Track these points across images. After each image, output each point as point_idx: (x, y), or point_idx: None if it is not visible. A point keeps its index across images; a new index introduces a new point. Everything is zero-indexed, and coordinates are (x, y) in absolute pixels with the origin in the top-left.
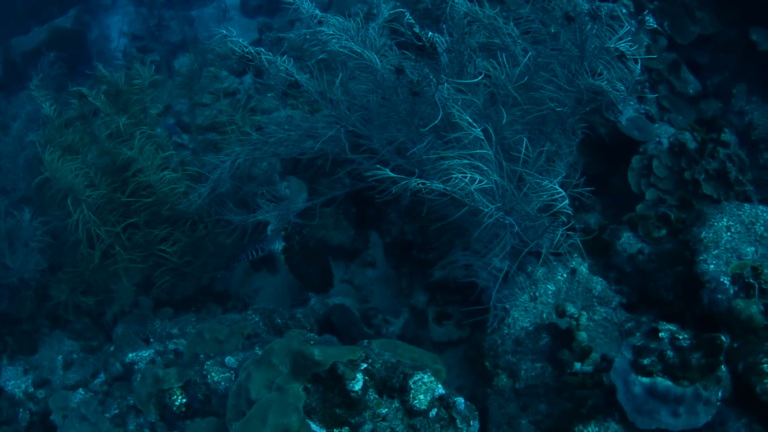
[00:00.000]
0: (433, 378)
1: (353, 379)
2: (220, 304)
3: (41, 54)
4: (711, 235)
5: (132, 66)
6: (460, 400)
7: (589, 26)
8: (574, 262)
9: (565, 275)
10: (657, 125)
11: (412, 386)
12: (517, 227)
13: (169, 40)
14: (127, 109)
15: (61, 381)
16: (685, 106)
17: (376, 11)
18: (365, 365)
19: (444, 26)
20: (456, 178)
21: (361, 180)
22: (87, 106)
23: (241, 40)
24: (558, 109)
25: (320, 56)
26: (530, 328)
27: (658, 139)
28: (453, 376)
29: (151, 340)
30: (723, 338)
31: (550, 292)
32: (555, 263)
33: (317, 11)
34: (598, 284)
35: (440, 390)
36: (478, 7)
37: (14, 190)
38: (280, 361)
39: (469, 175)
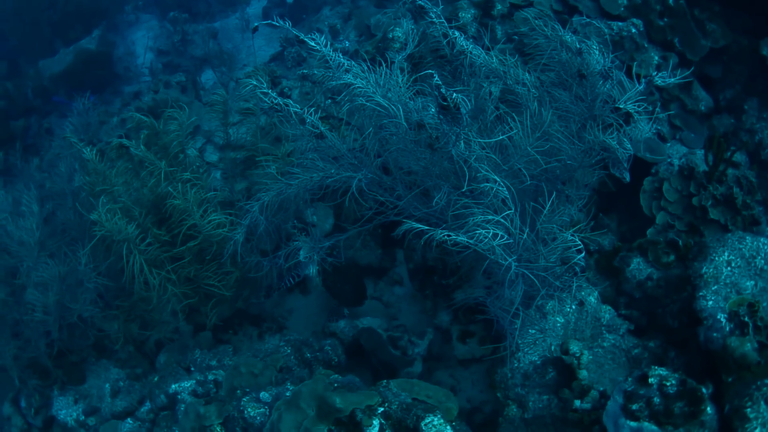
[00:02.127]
0: (442, 420)
1: (370, 426)
2: (256, 326)
3: (69, 77)
4: (711, 270)
5: (158, 89)
6: None
7: (600, 84)
8: (583, 293)
9: (573, 307)
10: (669, 144)
11: (423, 428)
12: (531, 276)
13: (194, 55)
14: (165, 147)
15: (109, 408)
16: (697, 123)
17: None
18: (382, 409)
19: (463, 77)
20: (479, 233)
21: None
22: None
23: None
24: (568, 162)
25: (345, 107)
26: (538, 362)
27: (669, 160)
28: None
29: (192, 369)
30: (704, 390)
31: (558, 325)
32: (564, 296)
33: (342, 59)
34: (607, 313)
35: (448, 431)
36: (495, 60)
37: (67, 231)
38: (308, 404)
39: (491, 231)
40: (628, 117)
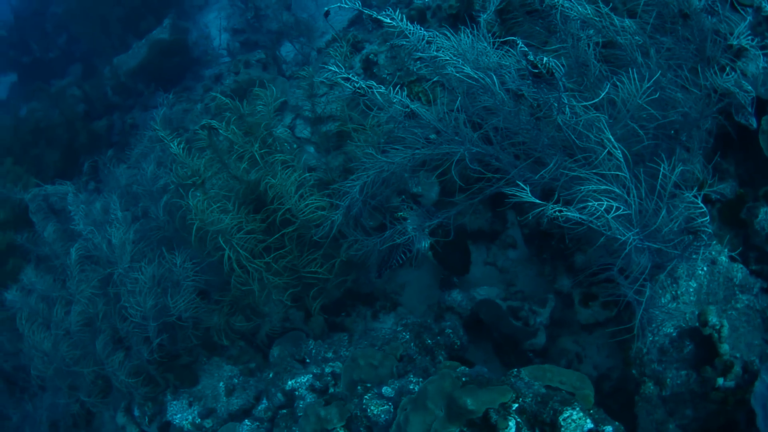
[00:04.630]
0: (581, 413)
1: (505, 427)
2: (369, 305)
3: (146, 69)
4: None
5: (239, 69)
6: (608, 429)
7: (706, 22)
8: (713, 251)
9: (705, 269)
10: None
11: (562, 423)
12: (654, 245)
13: (270, 29)
14: (252, 131)
15: (225, 408)
16: None
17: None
18: (516, 405)
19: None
20: (592, 205)
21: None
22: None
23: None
24: (687, 113)
25: (434, 78)
26: (674, 334)
27: None
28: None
29: (307, 360)
30: None
31: (691, 290)
32: (694, 257)
33: (423, 31)
34: (739, 272)
35: (589, 425)
36: (590, 10)
37: (157, 230)
38: (435, 404)
39: (605, 204)
40: (739, 52)
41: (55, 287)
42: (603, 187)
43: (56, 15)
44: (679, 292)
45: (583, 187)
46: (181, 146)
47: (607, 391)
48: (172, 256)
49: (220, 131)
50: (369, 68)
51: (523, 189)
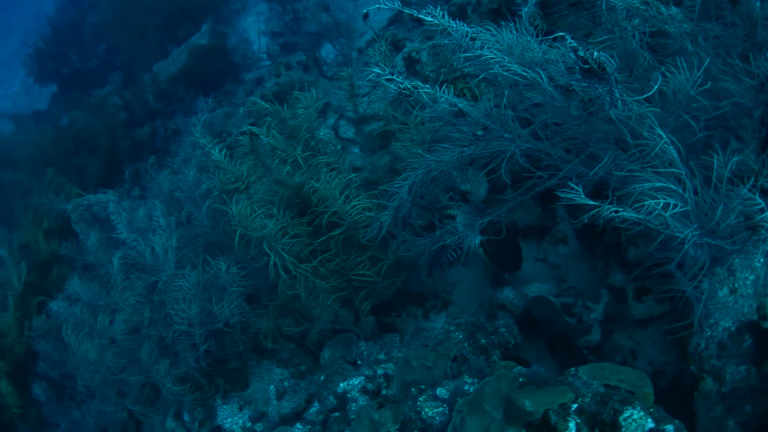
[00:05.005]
0: (642, 413)
1: (566, 429)
2: (420, 305)
3: (186, 75)
4: None
5: (280, 72)
6: (669, 428)
7: (757, 5)
8: None
9: (762, 260)
10: None
11: (623, 423)
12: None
13: (309, 31)
14: (294, 134)
15: (276, 411)
16: None
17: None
18: (575, 405)
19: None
20: (648, 204)
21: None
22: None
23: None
24: (740, 103)
25: (480, 75)
26: (733, 329)
27: None
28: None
29: (359, 362)
30: None
31: (749, 282)
32: (751, 248)
33: (466, 27)
34: None
35: (650, 424)
36: None
37: (202, 235)
38: (492, 406)
39: (662, 201)
40: None
41: (100, 296)
42: (659, 184)
43: (93, 25)
44: (736, 285)
45: (638, 185)
46: (223, 152)
47: (662, 387)
48: (218, 261)
49: (261, 137)
50: (411, 66)
51: (576, 189)
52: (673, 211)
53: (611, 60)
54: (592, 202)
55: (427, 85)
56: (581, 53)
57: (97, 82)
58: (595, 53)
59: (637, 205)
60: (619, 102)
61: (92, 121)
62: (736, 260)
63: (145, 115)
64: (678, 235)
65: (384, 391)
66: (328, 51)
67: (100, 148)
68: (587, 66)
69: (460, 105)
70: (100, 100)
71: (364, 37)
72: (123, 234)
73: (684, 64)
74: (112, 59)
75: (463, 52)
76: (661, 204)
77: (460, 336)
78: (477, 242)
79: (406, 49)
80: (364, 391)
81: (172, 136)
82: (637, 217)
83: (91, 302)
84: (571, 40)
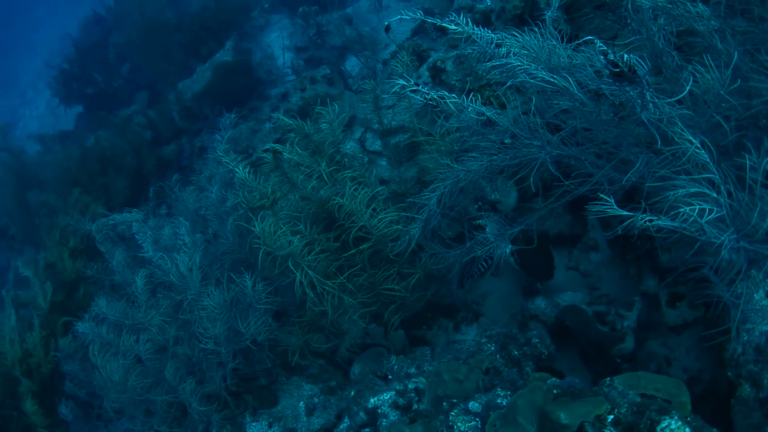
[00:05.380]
0: (680, 422)
1: None
2: (451, 317)
3: (211, 92)
4: None
5: (305, 86)
6: None
7: None
8: None
9: None
10: None
11: None
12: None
13: (334, 44)
14: (319, 149)
15: (306, 427)
16: None
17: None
18: (612, 417)
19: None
20: (683, 211)
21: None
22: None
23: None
24: None
25: (508, 83)
26: None
27: None
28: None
29: (389, 376)
30: None
31: None
32: None
33: (491, 34)
34: None
35: None
36: None
37: (229, 252)
38: (526, 419)
39: (697, 208)
40: None
41: (126, 315)
42: (693, 189)
43: (117, 45)
44: None
45: (671, 193)
46: (247, 169)
47: (698, 394)
48: (243, 279)
49: (284, 153)
50: (437, 75)
51: (607, 200)
52: (709, 217)
53: (642, 62)
54: (625, 213)
55: (453, 95)
56: (611, 57)
57: (123, 101)
58: (626, 56)
59: (672, 213)
60: (650, 105)
61: (117, 140)
62: None
63: (171, 133)
64: (714, 241)
65: (415, 406)
66: (353, 64)
67: (125, 167)
68: (617, 69)
69: (488, 114)
70: (126, 119)
71: (388, 49)
72: (149, 253)
73: (713, 63)
74: (137, 79)
75: (489, 60)
76: (697, 210)
77: (492, 348)
78: (508, 251)
79: (430, 59)
80: (395, 406)
81: (198, 153)
82: (672, 226)
83: (117, 322)
84: (600, 44)
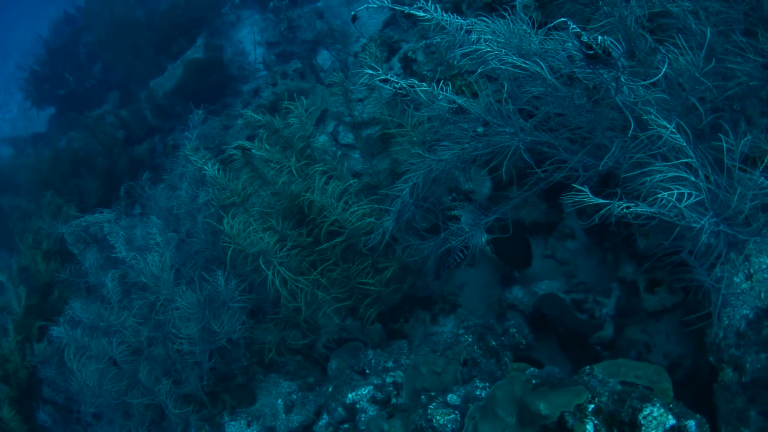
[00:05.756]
0: (662, 410)
1: (583, 431)
2: (428, 309)
3: (183, 89)
4: None
5: (276, 81)
6: (691, 424)
7: None
8: None
9: None
10: None
11: (643, 422)
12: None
13: (305, 39)
14: (290, 143)
15: (285, 425)
16: None
17: None
18: (592, 406)
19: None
20: (662, 196)
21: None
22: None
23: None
24: (750, 83)
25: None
26: (751, 316)
27: None
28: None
29: (367, 371)
30: None
31: (764, 266)
32: (765, 231)
33: (461, 20)
34: None
35: (671, 421)
36: None
37: (202, 251)
38: (505, 411)
39: (676, 193)
40: None
41: (101, 317)
42: (672, 174)
43: (88, 45)
44: (751, 270)
45: (648, 179)
46: (216, 167)
47: (680, 380)
48: (216, 277)
49: (254, 150)
50: (408, 66)
51: (583, 190)
52: (688, 201)
53: (616, 44)
54: (602, 201)
55: (423, 83)
56: (585, 38)
57: (95, 101)
58: (600, 38)
59: (650, 199)
60: (625, 87)
61: (89, 141)
62: (751, 244)
63: (144, 132)
64: (694, 225)
65: (394, 400)
66: (324, 57)
67: (98, 168)
68: (592, 52)
69: (459, 101)
70: (97, 119)
71: (360, 41)
72: (122, 253)
73: (686, 45)
74: (109, 78)
75: (459, 47)
76: (675, 195)
77: (470, 339)
78: (483, 241)
79: (401, 51)
80: (373, 400)
81: (171, 151)
82: (650, 212)
83: (92, 324)
84: (574, 26)
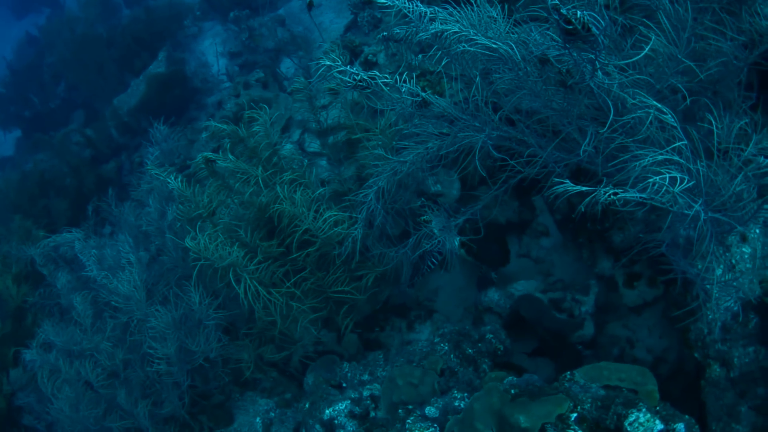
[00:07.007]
0: (648, 414)
1: None
2: (403, 317)
3: (147, 105)
4: None
5: (239, 92)
6: (680, 427)
7: None
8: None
9: (757, 231)
10: None
11: (629, 429)
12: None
13: (267, 47)
14: (256, 152)
15: None
16: None
17: None
18: (575, 414)
19: None
20: (653, 181)
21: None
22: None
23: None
24: (732, 63)
25: (443, 61)
26: (735, 308)
27: None
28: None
29: (344, 385)
30: None
31: (746, 256)
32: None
33: (423, 7)
34: None
35: (659, 426)
36: None
37: (173, 268)
38: (484, 424)
39: (668, 176)
40: None
41: (74, 340)
42: (661, 157)
43: (51, 65)
44: (733, 261)
45: (637, 162)
46: (179, 179)
47: (665, 375)
48: (190, 295)
49: (218, 162)
50: (370, 70)
51: (563, 182)
52: (682, 186)
53: (598, 19)
54: (586, 188)
55: (385, 75)
56: (563, 11)
57: (61, 121)
58: (579, 12)
59: (641, 185)
60: (600, 71)
61: (56, 161)
62: (731, 234)
63: (111, 150)
64: (687, 212)
65: (372, 413)
66: (288, 66)
67: (66, 188)
68: (571, 27)
69: (423, 94)
70: (63, 139)
71: (322, 47)
72: (93, 272)
73: (665, 26)
74: (73, 97)
75: (423, 41)
76: (667, 179)
77: (446, 347)
78: (456, 244)
79: (363, 54)
80: (351, 415)
81: (137, 168)
82: (641, 197)
83: (66, 347)
84: None
